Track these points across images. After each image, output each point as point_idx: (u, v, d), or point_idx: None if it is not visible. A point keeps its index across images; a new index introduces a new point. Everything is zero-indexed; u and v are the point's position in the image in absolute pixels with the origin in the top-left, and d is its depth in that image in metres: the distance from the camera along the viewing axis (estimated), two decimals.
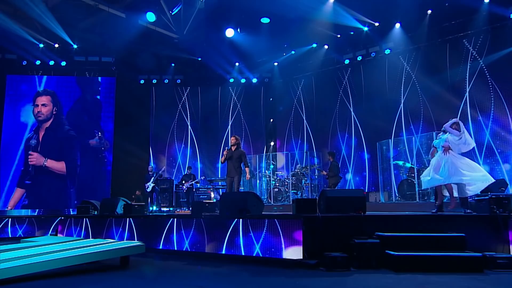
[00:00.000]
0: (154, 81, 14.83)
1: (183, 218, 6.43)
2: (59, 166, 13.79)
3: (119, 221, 7.18)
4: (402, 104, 11.55)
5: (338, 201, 5.43)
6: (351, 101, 13.04)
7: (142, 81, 14.82)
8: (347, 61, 12.90)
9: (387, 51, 11.78)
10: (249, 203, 5.99)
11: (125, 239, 6.98)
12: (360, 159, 12.54)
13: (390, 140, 10.40)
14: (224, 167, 13.90)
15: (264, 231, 5.49)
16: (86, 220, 7.74)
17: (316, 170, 12.05)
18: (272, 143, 14.74)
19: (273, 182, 12.21)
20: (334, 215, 5.26)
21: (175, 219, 6.49)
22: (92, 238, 7.26)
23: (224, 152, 7.80)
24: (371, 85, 11.90)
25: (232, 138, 7.91)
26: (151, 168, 12.55)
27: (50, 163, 13.74)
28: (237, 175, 7.65)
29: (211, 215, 6.25)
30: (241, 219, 5.77)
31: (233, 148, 7.81)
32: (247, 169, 7.69)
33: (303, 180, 12.02)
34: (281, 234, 5.32)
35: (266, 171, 12.33)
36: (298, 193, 11.95)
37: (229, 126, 14.96)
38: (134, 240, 6.79)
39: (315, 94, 13.75)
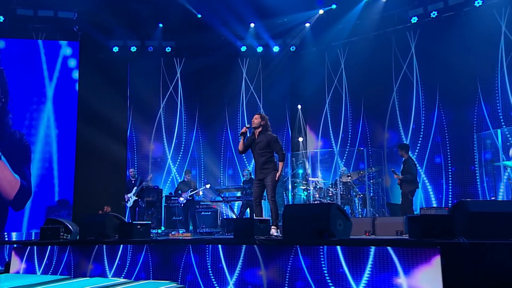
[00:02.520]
0: (133, 48, 14.05)
1: (223, 244, 5.65)
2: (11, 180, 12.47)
3: (114, 249, 6.31)
4: (499, 81, 10.79)
5: (489, 219, 4.53)
6: (419, 78, 12.26)
7: (116, 49, 14.03)
8: (414, 20, 12.13)
9: (478, 3, 11.06)
10: (333, 221, 5.13)
11: (122, 277, 6.09)
12: (433, 161, 11.79)
13: (498, 130, 9.59)
14: (235, 171, 14.10)
15: (370, 265, 4.61)
16: (57, 248, 6.80)
17: (364, 174, 11.38)
18: (300, 139, 14.18)
19: (311, 193, 11.42)
20: (492, 243, 4.35)
21: (210, 245, 5.70)
22: (72, 275, 6.31)
23: (242, 130, 6.83)
24: (452, 54, 11.13)
25: (255, 116, 6.99)
26: (133, 172, 11.92)
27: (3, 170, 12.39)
28: (269, 175, 6.62)
29: (268, 239, 5.43)
30: (325, 247, 4.91)
31: (256, 133, 6.89)
32: (281, 164, 6.65)
33: (352, 190, 11.41)
34: (401, 272, 4.42)
35: (309, 178, 11.58)
36: (347, 207, 11.21)
37: (240, 113, 14.38)
38: (137, 278, 5.86)
39: (365, 69, 12.97)
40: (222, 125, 14.32)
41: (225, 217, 12.94)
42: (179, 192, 11.84)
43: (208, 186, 12.01)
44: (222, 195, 11.56)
